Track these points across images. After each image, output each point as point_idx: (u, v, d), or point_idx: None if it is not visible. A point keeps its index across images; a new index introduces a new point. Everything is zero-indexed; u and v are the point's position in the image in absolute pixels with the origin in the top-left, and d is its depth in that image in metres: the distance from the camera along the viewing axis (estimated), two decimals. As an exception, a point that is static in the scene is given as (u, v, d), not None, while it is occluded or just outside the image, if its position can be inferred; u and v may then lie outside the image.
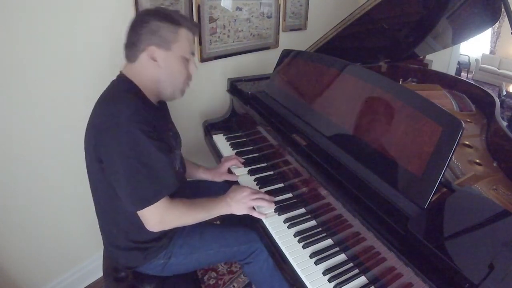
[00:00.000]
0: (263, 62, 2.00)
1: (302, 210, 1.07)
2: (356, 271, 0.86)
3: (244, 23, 1.80)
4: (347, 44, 1.57)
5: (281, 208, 1.06)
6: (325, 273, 0.85)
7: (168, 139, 0.97)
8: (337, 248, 0.93)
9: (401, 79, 1.82)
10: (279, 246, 0.94)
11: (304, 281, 0.84)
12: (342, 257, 0.91)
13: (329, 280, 0.83)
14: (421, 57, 2.44)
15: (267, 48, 2.01)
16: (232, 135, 1.52)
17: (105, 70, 1.28)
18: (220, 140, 1.49)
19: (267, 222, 1.02)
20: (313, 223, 1.02)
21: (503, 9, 1.29)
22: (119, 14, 1.27)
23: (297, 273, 0.86)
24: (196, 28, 0.95)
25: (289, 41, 2.11)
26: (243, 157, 1.33)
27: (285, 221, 1.01)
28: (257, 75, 1.67)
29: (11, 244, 1.25)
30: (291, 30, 2.13)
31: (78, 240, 1.45)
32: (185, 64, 0.94)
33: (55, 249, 1.38)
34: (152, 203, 0.84)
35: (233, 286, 1.57)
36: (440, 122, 0.77)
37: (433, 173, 0.74)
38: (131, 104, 0.83)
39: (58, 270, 1.43)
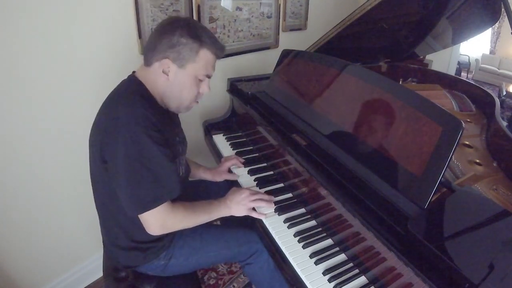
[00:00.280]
0: (263, 62, 2.01)
1: (302, 210, 1.07)
2: (356, 271, 0.86)
3: (244, 23, 1.80)
4: (347, 44, 1.57)
5: (281, 208, 1.06)
6: (325, 273, 0.85)
7: (174, 145, 0.96)
8: (337, 248, 0.93)
9: (401, 79, 1.82)
10: (279, 246, 0.94)
11: (304, 281, 0.84)
12: (342, 257, 0.91)
13: (329, 280, 0.83)
14: (421, 57, 2.44)
15: (267, 48, 2.01)
16: (232, 135, 1.52)
17: (105, 70, 1.28)
18: (220, 140, 1.50)
19: (267, 222, 1.02)
20: (313, 223, 1.02)
21: (503, 9, 1.29)
22: (119, 14, 1.27)
23: (297, 273, 0.86)
24: (222, 52, 0.92)
25: (289, 41, 2.11)
26: (243, 157, 1.33)
27: (285, 221, 1.01)
28: (257, 75, 1.67)
29: (11, 244, 1.25)
30: (291, 30, 2.13)
31: (78, 240, 1.45)
32: (197, 84, 0.92)
33: (55, 249, 1.38)
34: (152, 208, 0.84)
35: (233, 286, 1.57)
36: (440, 122, 0.77)
37: (433, 173, 0.74)
38: (139, 108, 0.81)
39: (58, 270, 1.43)
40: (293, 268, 0.88)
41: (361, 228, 0.83)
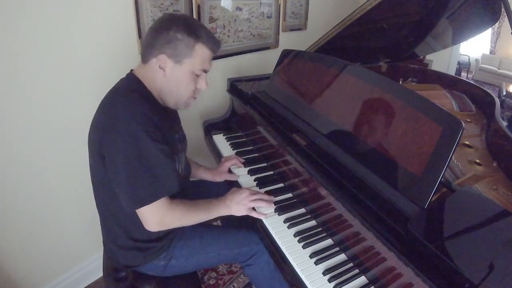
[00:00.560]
0: (263, 62, 2.01)
1: (302, 210, 1.07)
2: (356, 271, 0.86)
3: (244, 23, 1.80)
4: (347, 44, 1.57)
5: (281, 208, 1.06)
6: (325, 273, 0.85)
7: (173, 142, 0.96)
8: (337, 248, 0.93)
9: (401, 79, 1.82)
10: (279, 246, 0.94)
11: (304, 281, 0.84)
12: (342, 257, 0.91)
13: (329, 280, 0.83)
14: (421, 57, 2.44)
15: (267, 48, 2.01)
16: (232, 135, 1.52)
17: (105, 70, 1.28)
18: (220, 140, 1.49)
19: (267, 223, 1.02)
20: (313, 223, 1.02)
21: (503, 9, 1.29)
22: (119, 14, 1.27)
23: (297, 273, 0.86)
24: (217, 47, 0.93)
25: (289, 41, 2.11)
26: (243, 157, 1.33)
27: (285, 221, 1.01)
28: (257, 75, 1.67)
29: (11, 244, 1.25)
30: (291, 30, 2.13)
31: (78, 240, 1.45)
32: (194, 80, 0.93)
33: (55, 249, 1.38)
34: (148, 204, 0.84)
35: (233, 286, 1.57)
36: (440, 122, 0.77)
37: (433, 173, 0.74)
38: (137, 105, 0.82)
39: (58, 270, 1.43)
40: (293, 268, 0.88)
41: (361, 228, 0.83)
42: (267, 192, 1.12)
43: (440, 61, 2.69)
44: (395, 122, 0.87)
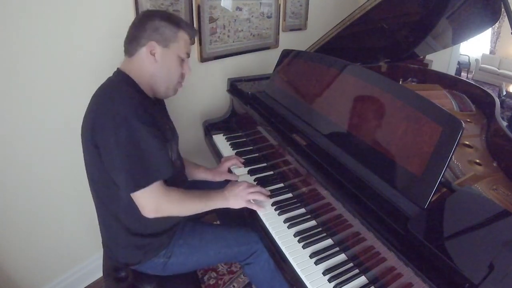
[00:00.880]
0: (263, 62, 2.01)
1: (302, 210, 1.07)
2: (356, 271, 0.86)
3: (244, 23, 1.80)
4: (347, 44, 1.57)
5: (281, 208, 1.06)
6: (325, 273, 0.85)
7: (164, 130, 0.98)
8: (337, 248, 0.93)
9: (401, 79, 1.82)
10: (279, 246, 0.94)
11: (304, 281, 0.84)
12: (342, 257, 0.91)
13: (329, 280, 0.83)
14: (421, 57, 2.44)
15: (267, 48, 2.01)
16: (232, 135, 1.52)
17: (104, 70, 1.27)
18: (220, 140, 1.50)
19: (267, 222, 1.02)
20: (313, 223, 1.02)
21: (503, 9, 1.29)
22: (119, 14, 1.27)
23: (297, 273, 0.86)
24: (194, 33, 1.02)
25: (289, 41, 2.11)
26: (243, 157, 1.33)
27: (285, 221, 1.01)
28: (257, 75, 1.67)
29: (11, 244, 1.25)
30: (291, 30, 2.13)
31: (78, 240, 1.45)
32: (180, 64, 0.99)
33: (55, 249, 1.38)
34: (144, 187, 0.85)
35: (233, 286, 1.57)
36: (440, 122, 0.77)
37: (433, 173, 0.74)
38: (127, 92, 0.87)
39: (58, 270, 1.43)
40: (293, 268, 0.88)
41: (361, 228, 0.83)
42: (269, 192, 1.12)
43: (440, 61, 2.69)
44: (395, 122, 0.87)
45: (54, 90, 1.19)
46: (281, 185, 1.19)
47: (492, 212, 0.75)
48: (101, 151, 0.85)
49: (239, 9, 1.73)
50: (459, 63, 5.95)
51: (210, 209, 1.01)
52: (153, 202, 0.88)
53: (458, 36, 1.74)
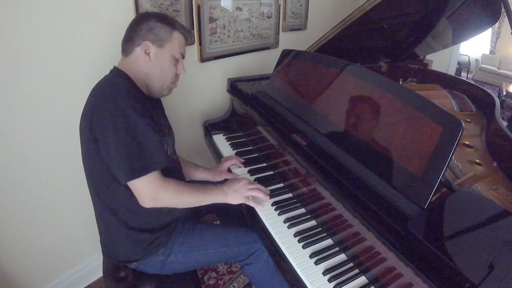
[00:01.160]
0: (263, 62, 2.00)
1: (302, 210, 1.07)
2: (356, 271, 0.86)
3: (244, 23, 1.80)
4: (347, 44, 1.57)
5: (281, 208, 1.06)
6: (325, 273, 0.85)
7: (159, 124, 0.99)
8: (337, 248, 0.93)
9: (401, 79, 1.82)
10: (279, 246, 0.94)
11: (304, 281, 0.84)
12: (342, 257, 0.91)
13: (329, 280, 0.83)
14: (421, 57, 2.44)
15: (267, 48, 2.01)
16: (232, 135, 1.52)
17: (104, 70, 1.27)
18: (220, 140, 1.50)
19: (267, 222, 1.02)
20: (313, 223, 1.02)
21: (503, 9, 1.29)
22: (118, 13, 1.27)
23: (297, 273, 0.86)
24: (189, 34, 1.05)
25: (289, 41, 2.11)
26: (243, 157, 1.33)
27: (285, 221, 1.01)
28: (257, 75, 1.67)
29: (11, 244, 1.25)
30: (291, 30, 2.13)
31: (78, 240, 1.45)
32: (174, 64, 1.01)
33: (55, 249, 1.38)
34: (142, 175, 0.85)
35: (233, 286, 1.57)
36: (440, 122, 0.77)
37: (433, 173, 0.74)
38: (124, 86, 0.90)
39: (58, 270, 1.43)
40: (293, 268, 0.88)
41: (361, 228, 0.83)
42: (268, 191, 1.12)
43: (440, 61, 2.70)
44: (395, 122, 0.87)
45: (53, 89, 1.19)
46: (281, 185, 1.19)
47: (492, 212, 0.75)
48: (99, 142, 0.87)
49: (239, 9, 1.73)
50: (459, 63, 5.95)
51: (208, 203, 1.01)
52: (151, 190, 0.88)
53: (458, 36, 1.74)
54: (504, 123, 1.25)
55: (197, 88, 1.72)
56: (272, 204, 1.08)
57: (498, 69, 6.74)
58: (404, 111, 0.86)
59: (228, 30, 1.72)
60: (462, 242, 0.67)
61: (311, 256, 0.90)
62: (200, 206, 1.17)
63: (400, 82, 1.78)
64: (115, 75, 0.96)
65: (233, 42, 1.78)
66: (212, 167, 1.33)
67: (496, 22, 1.50)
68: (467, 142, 1.18)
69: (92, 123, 0.87)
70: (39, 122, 1.19)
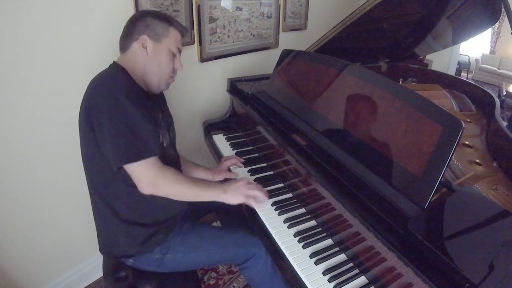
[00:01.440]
0: (263, 62, 2.00)
1: (302, 210, 1.07)
2: (356, 271, 0.86)
3: (244, 23, 1.80)
4: (347, 44, 1.57)
5: (281, 208, 1.06)
6: (325, 273, 0.85)
7: (156, 119, 1.00)
8: (337, 248, 0.93)
9: (401, 79, 1.82)
10: (279, 246, 0.94)
11: (304, 281, 0.84)
12: (342, 257, 0.91)
13: (329, 280, 0.83)
14: (421, 57, 2.44)
15: (267, 48, 2.01)
16: (232, 135, 1.52)
17: (103, 68, 1.28)
18: (220, 140, 1.50)
19: (267, 222, 1.02)
20: (313, 223, 1.02)
21: (503, 9, 1.29)
22: (119, 14, 1.27)
23: (297, 273, 0.86)
24: (185, 31, 1.07)
25: (289, 41, 2.11)
26: (243, 157, 1.33)
27: (285, 221, 1.01)
28: (257, 75, 1.67)
29: (11, 244, 1.25)
30: (291, 30, 2.13)
31: (78, 240, 1.45)
32: (171, 59, 1.03)
33: (55, 249, 1.38)
34: (135, 160, 0.86)
35: (233, 286, 1.57)
36: (440, 122, 0.77)
37: (433, 173, 0.74)
38: (120, 78, 0.92)
39: (58, 270, 1.43)
40: (293, 268, 0.88)
41: (361, 228, 0.83)
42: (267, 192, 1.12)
43: (440, 61, 2.69)
44: (395, 122, 0.87)
45: (53, 89, 1.19)
46: (281, 185, 1.19)
47: (492, 212, 0.75)
48: (96, 133, 0.88)
49: (239, 9, 1.73)
50: (459, 63, 5.95)
51: (207, 199, 1.01)
52: (150, 175, 0.89)
53: (458, 36, 1.74)
54: (504, 123, 1.25)
55: (197, 88, 1.72)
56: (272, 204, 1.08)
57: (498, 69, 6.74)
58: (404, 111, 0.86)
59: (228, 30, 1.72)
60: (462, 242, 0.67)
61: (311, 256, 0.90)
62: (200, 205, 1.18)
63: (400, 82, 1.78)
64: (113, 68, 0.98)
65: (233, 42, 1.78)
66: (212, 167, 1.33)
67: (496, 22, 1.49)
68: (467, 142, 1.18)
69: (89, 114, 0.88)
70: (39, 121, 1.19)
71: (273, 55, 1.90)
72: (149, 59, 0.99)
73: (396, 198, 0.79)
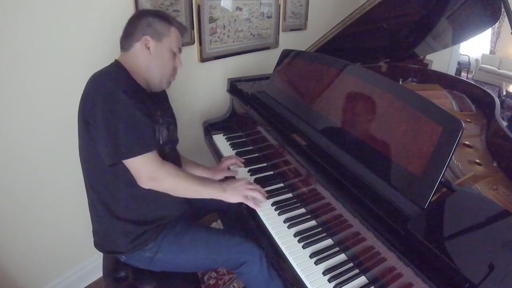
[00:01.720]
0: (263, 62, 2.00)
1: (302, 210, 1.07)
2: (356, 271, 0.86)
3: (244, 23, 1.80)
4: (347, 44, 1.57)
5: (281, 208, 1.06)
6: (325, 273, 0.85)
7: (153, 113, 1.00)
8: (337, 248, 0.93)
9: (401, 79, 1.82)
10: (279, 246, 0.94)
11: (304, 281, 0.84)
12: (342, 257, 0.91)
13: (329, 280, 0.83)
14: (421, 57, 2.44)
15: (267, 48, 2.01)
16: (232, 135, 1.52)
17: (101, 67, 1.28)
18: (220, 140, 1.50)
19: (267, 222, 1.02)
20: (313, 223, 1.02)
21: (503, 9, 1.29)
22: (119, 14, 1.27)
23: (297, 273, 0.86)
24: (185, 30, 1.09)
25: (289, 41, 2.11)
26: (243, 157, 1.33)
27: (285, 221, 1.01)
28: (257, 75, 1.67)
29: (11, 244, 1.25)
30: (291, 30, 2.13)
31: (78, 240, 1.45)
32: (172, 58, 1.04)
33: (55, 249, 1.39)
34: (130, 156, 0.87)
35: (233, 286, 1.57)
36: (440, 122, 0.77)
37: (433, 173, 0.74)
38: (119, 74, 0.94)
39: (58, 270, 1.43)
40: (293, 268, 0.88)
41: (361, 228, 0.83)
42: (267, 192, 1.12)
43: (440, 61, 2.69)
44: (395, 122, 0.87)
45: (53, 88, 1.19)
46: (281, 185, 1.19)
47: (492, 212, 0.75)
48: (90, 126, 0.88)
49: (239, 9, 1.73)
50: (459, 63, 5.95)
51: (206, 196, 1.01)
52: (150, 169, 0.89)
53: (458, 36, 1.74)
54: (504, 123, 1.24)
55: (197, 88, 1.72)
56: (272, 204, 1.08)
57: (498, 69, 6.73)
58: (404, 111, 0.86)
59: (228, 30, 1.72)
60: (462, 242, 0.67)
61: (311, 256, 0.90)
62: (200, 205, 1.17)
63: (400, 82, 1.78)
64: (113, 66, 0.99)
65: (233, 42, 1.78)
66: (212, 166, 1.33)
67: (496, 22, 1.49)
68: (467, 142, 1.18)
69: (84, 109, 0.89)
70: (39, 121, 1.19)
71: (273, 55, 1.90)
72: (152, 59, 1.00)
73: (396, 198, 0.79)
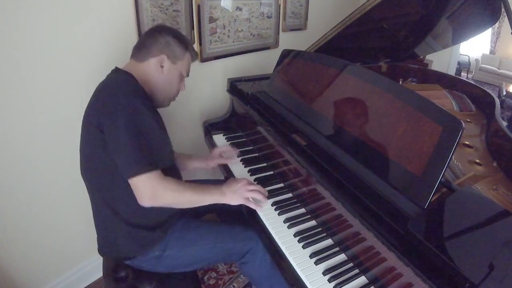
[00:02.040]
0: (263, 62, 2.01)
1: (302, 210, 1.07)
2: (356, 271, 0.86)
3: (244, 23, 1.80)
4: (347, 44, 1.57)
5: (281, 208, 1.06)
6: (325, 273, 0.85)
7: (163, 124, 1.02)
8: (337, 248, 0.93)
9: (401, 79, 1.82)
10: (279, 246, 0.94)
11: (304, 281, 0.84)
12: (342, 257, 0.91)
13: (329, 280, 0.83)
14: (421, 57, 2.44)
15: (267, 48, 2.01)
16: (232, 135, 1.52)
17: (104, 70, 1.27)
18: (220, 140, 1.50)
19: (267, 222, 1.02)
20: (313, 223, 1.02)
21: (503, 9, 1.29)
22: (119, 14, 1.27)
23: (297, 273, 0.86)
24: (196, 57, 1.14)
25: (289, 41, 2.11)
26: (243, 157, 1.33)
27: (285, 221, 1.01)
28: (257, 75, 1.67)
29: (11, 244, 1.25)
30: (291, 30, 2.13)
31: (78, 240, 1.45)
32: (180, 81, 1.09)
33: (55, 249, 1.38)
34: (146, 172, 0.86)
35: (233, 286, 1.57)
36: (440, 122, 0.77)
37: (433, 173, 0.74)
38: (136, 87, 0.95)
39: (58, 270, 1.43)
40: (293, 268, 0.88)
41: (361, 228, 0.83)
42: (267, 192, 1.12)
43: (440, 61, 2.69)
44: (395, 122, 0.87)
45: (53, 89, 1.19)
46: (281, 185, 1.19)
47: (492, 212, 0.75)
48: (107, 137, 0.87)
49: (239, 9, 1.73)
50: (459, 63, 5.95)
51: (206, 203, 1.01)
52: (150, 189, 0.89)
53: (458, 36, 1.74)
54: (504, 123, 1.24)
55: (197, 88, 1.72)
56: (272, 204, 1.08)
57: (498, 69, 6.73)
58: (404, 111, 0.86)
59: (228, 30, 1.72)
60: (462, 242, 0.67)
61: (311, 256, 0.90)
62: (200, 206, 1.17)
63: (400, 82, 1.78)
64: (124, 76, 0.98)
65: (233, 42, 1.78)
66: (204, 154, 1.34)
67: (496, 22, 1.50)
68: (467, 142, 1.18)
69: (101, 120, 0.87)
70: (39, 121, 1.19)
71: (273, 55, 1.90)
72: (163, 78, 1.03)
73: (396, 198, 0.79)
